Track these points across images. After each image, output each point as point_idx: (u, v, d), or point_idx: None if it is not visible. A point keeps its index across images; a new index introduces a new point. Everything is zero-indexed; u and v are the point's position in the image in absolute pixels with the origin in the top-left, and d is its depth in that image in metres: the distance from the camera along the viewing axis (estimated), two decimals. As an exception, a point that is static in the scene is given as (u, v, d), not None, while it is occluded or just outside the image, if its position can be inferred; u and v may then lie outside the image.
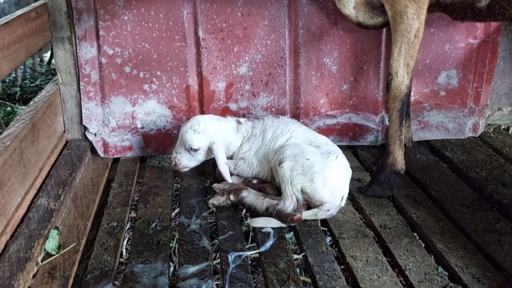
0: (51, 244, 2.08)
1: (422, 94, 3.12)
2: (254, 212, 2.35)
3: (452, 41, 3.03)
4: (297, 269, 2.02)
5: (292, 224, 2.27)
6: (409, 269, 1.97)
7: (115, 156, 2.99)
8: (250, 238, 2.32)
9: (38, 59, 7.01)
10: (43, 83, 6.14)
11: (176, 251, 2.18)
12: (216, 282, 1.95)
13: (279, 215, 2.26)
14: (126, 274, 1.94)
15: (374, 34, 2.96)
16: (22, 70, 6.56)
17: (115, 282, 1.94)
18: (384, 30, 2.92)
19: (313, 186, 2.26)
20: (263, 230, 2.24)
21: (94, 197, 2.50)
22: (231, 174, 2.59)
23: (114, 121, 2.93)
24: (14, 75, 6.24)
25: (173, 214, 2.47)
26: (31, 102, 2.63)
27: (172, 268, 2.09)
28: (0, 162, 1.98)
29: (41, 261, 2.00)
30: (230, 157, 2.68)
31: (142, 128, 2.97)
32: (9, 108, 5.11)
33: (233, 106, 3.02)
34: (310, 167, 2.27)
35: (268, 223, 2.26)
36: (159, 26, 2.80)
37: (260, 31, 2.90)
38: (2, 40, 2.18)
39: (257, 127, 2.63)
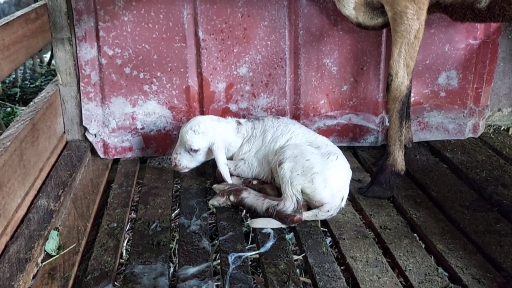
0: (51, 245, 2.08)
1: (422, 95, 3.12)
2: (254, 213, 2.35)
3: (452, 42, 3.03)
4: (297, 270, 2.02)
5: (292, 225, 2.27)
6: (409, 269, 1.97)
7: (115, 157, 2.99)
8: (250, 239, 2.32)
9: (38, 60, 7.02)
10: (43, 83, 6.14)
11: (176, 252, 2.17)
12: (216, 283, 1.95)
13: (279, 216, 2.26)
14: (126, 275, 1.94)
15: (374, 35, 2.96)
16: (22, 71, 6.57)
17: (115, 283, 1.94)
18: (384, 31, 2.92)
19: (313, 187, 2.26)
20: (263, 231, 2.23)
21: (94, 198, 2.50)
22: (231, 175, 2.59)
23: (114, 122, 2.93)
24: (14, 75, 6.25)
25: (173, 215, 2.47)
26: (31, 103, 2.63)
27: (172, 269, 2.09)
28: (0, 163, 1.98)
29: (41, 262, 2.00)
30: (230, 158, 2.68)
31: (142, 129, 2.97)
32: (9, 109, 5.11)
33: (233, 107, 3.02)
34: (310, 168, 2.27)
35: (268, 224, 2.26)
36: (159, 27, 2.80)
37: (260, 32, 2.90)
38: (2, 41, 2.18)
39: (257, 128, 2.64)
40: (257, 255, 2.11)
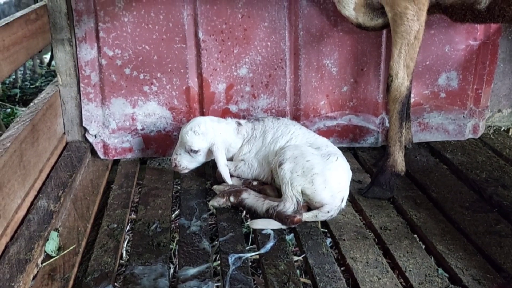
0: (51, 245, 2.07)
1: (422, 95, 3.13)
2: (254, 214, 2.35)
3: (452, 43, 3.03)
4: (297, 271, 2.02)
5: (292, 226, 2.27)
6: (409, 270, 1.97)
7: (115, 158, 2.99)
8: (250, 240, 2.32)
9: (38, 61, 7.02)
10: (43, 84, 6.14)
11: (176, 253, 2.17)
12: (216, 284, 1.95)
13: (279, 216, 2.26)
14: (126, 275, 1.93)
15: (374, 36, 2.96)
16: (22, 72, 6.57)
17: (115, 284, 1.94)
18: (384, 31, 2.92)
19: (313, 187, 2.26)
20: (263, 232, 2.23)
21: (94, 199, 2.50)
22: (231, 176, 2.59)
23: (114, 122, 2.93)
24: (14, 76, 6.25)
25: (173, 215, 2.47)
26: (31, 104, 2.63)
27: (172, 270, 2.09)
28: (0, 164, 1.98)
29: (41, 263, 2.00)
30: (230, 159, 2.68)
31: (142, 129, 2.97)
32: (9, 110, 5.11)
33: (233, 108, 3.02)
34: (310, 168, 2.27)
35: (268, 225, 2.26)
36: (159, 28, 2.80)
37: (260, 32, 2.90)
38: (2, 41, 2.18)
39: (257, 128, 2.64)
40: (257, 256, 2.11)
